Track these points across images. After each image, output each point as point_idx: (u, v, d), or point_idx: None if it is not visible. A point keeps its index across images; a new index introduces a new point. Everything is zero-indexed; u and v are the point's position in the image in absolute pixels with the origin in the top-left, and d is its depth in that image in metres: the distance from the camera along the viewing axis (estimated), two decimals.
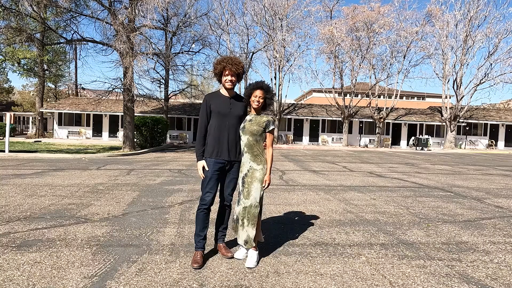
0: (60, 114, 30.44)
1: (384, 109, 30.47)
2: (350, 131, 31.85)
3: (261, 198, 3.24)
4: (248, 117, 3.36)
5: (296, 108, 34.09)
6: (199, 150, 3.28)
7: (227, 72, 3.25)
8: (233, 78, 3.28)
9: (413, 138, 30.77)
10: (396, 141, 33.07)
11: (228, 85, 3.29)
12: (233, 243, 3.72)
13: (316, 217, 4.99)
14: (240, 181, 3.32)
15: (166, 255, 3.37)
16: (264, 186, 3.25)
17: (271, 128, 3.32)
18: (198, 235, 3.27)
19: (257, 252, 3.27)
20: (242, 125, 3.33)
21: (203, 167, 3.24)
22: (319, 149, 25.26)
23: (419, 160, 16.80)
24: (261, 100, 3.30)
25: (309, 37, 31.31)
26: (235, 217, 3.32)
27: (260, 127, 3.27)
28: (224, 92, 3.35)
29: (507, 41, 57.36)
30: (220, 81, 3.35)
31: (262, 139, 3.33)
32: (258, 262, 3.23)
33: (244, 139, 3.29)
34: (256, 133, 3.26)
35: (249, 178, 3.24)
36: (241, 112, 3.36)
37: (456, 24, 29.16)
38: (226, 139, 3.26)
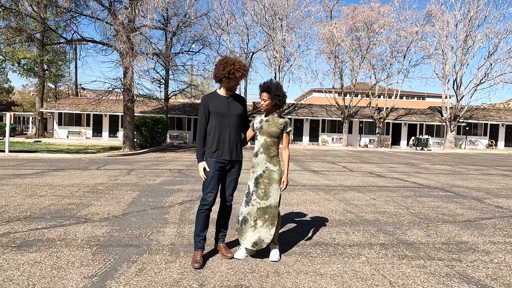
0: (60, 114, 30.44)
1: (384, 109, 30.47)
2: (350, 131, 31.84)
3: (280, 198, 3.29)
4: (264, 118, 3.35)
5: (296, 108, 34.09)
6: (199, 152, 3.27)
7: (238, 75, 3.22)
8: (239, 81, 3.33)
9: (413, 138, 30.77)
10: (396, 141, 33.07)
11: (235, 88, 3.34)
12: (233, 244, 3.72)
13: (316, 217, 4.99)
14: (252, 181, 3.30)
15: (166, 255, 3.37)
16: (282, 188, 3.27)
17: (288, 129, 3.33)
18: (198, 236, 3.27)
19: (278, 245, 3.41)
20: (259, 125, 3.32)
21: (204, 168, 3.24)
22: (319, 149, 25.26)
23: (419, 160, 16.80)
24: (266, 103, 3.29)
25: (309, 37, 31.39)
26: (240, 218, 3.29)
27: (278, 128, 3.27)
28: (221, 92, 3.33)
29: (507, 41, 57.40)
30: (220, 81, 3.28)
31: (279, 140, 3.33)
32: (280, 256, 3.37)
33: (261, 140, 3.29)
34: (274, 135, 3.26)
35: (265, 179, 3.24)
36: (239, 110, 3.34)
37: (456, 24, 29.18)
38: (227, 139, 3.25)
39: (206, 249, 3.44)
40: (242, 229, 3.27)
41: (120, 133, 28.47)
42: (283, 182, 3.27)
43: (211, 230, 3.67)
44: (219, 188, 3.33)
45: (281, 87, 3.30)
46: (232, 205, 3.46)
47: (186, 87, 25.58)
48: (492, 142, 33.26)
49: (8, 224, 4.28)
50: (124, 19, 15.53)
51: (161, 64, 23.24)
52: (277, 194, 3.25)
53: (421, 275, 3.08)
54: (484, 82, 29.45)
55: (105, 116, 30.63)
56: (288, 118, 33.18)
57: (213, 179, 3.22)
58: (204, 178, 3.24)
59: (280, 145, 3.38)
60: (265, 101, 3.29)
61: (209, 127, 3.27)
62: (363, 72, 31.24)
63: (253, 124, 3.43)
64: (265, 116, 3.36)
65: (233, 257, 3.32)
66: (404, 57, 30.08)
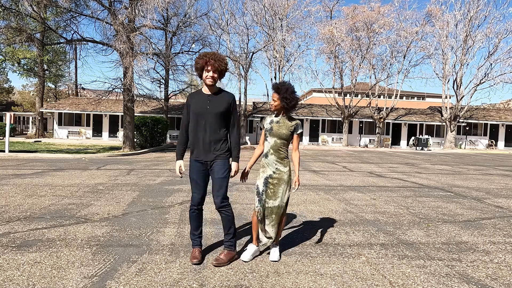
0: (60, 114, 30.44)
1: (384, 109, 30.46)
2: (350, 131, 31.84)
3: (287, 199, 3.33)
4: (274, 118, 3.33)
5: (296, 108, 34.01)
6: (178, 150, 3.27)
7: (209, 68, 3.10)
8: (214, 74, 3.12)
9: (413, 138, 30.76)
10: (396, 141, 33.06)
11: (209, 81, 3.13)
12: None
13: (316, 217, 4.99)
14: (261, 180, 3.30)
15: (166, 255, 3.37)
16: (294, 188, 3.31)
17: (299, 131, 3.32)
18: (193, 234, 3.29)
19: (278, 246, 3.41)
20: (269, 126, 3.30)
21: (180, 167, 3.23)
22: (319, 149, 25.26)
23: (419, 160, 16.80)
24: (275, 104, 3.28)
25: (309, 37, 31.36)
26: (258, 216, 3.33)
27: (288, 131, 3.27)
28: (205, 89, 3.24)
29: (507, 41, 57.49)
30: (201, 76, 3.20)
31: (289, 142, 3.34)
32: (280, 256, 3.37)
33: (271, 141, 3.29)
34: (284, 137, 3.26)
35: (275, 180, 3.26)
36: (220, 108, 3.17)
37: (456, 24, 29.18)
38: (201, 139, 3.17)
39: (205, 248, 3.44)
40: (261, 225, 3.31)
41: (120, 133, 28.46)
42: (295, 182, 3.30)
43: (211, 230, 3.67)
44: (206, 186, 3.27)
45: (291, 90, 3.21)
46: (228, 209, 3.22)
47: (186, 87, 25.59)
48: (492, 142, 33.25)
49: (8, 224, 4.28)
50: (124, 19, 15.52)
51: (161, 64, 23.25)
52: (284, 195, 3.27)
53: (421, 275, 3.08)
54: (484, 82, 29.47)
55: (105, 116, 30.63)
56: None
57: (195, 179, 3.20)
58: (180, 176, 3.25)
59: (290, 145, 3.35)
60: (274, 102, 3.29)
61: (189, 126, 3.24)
62: (363, 72, 31.29)
63: (263, 125, 3.40)
64: (276, 116, 3.35)
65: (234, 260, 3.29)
66: (404, 57, 30.09)
